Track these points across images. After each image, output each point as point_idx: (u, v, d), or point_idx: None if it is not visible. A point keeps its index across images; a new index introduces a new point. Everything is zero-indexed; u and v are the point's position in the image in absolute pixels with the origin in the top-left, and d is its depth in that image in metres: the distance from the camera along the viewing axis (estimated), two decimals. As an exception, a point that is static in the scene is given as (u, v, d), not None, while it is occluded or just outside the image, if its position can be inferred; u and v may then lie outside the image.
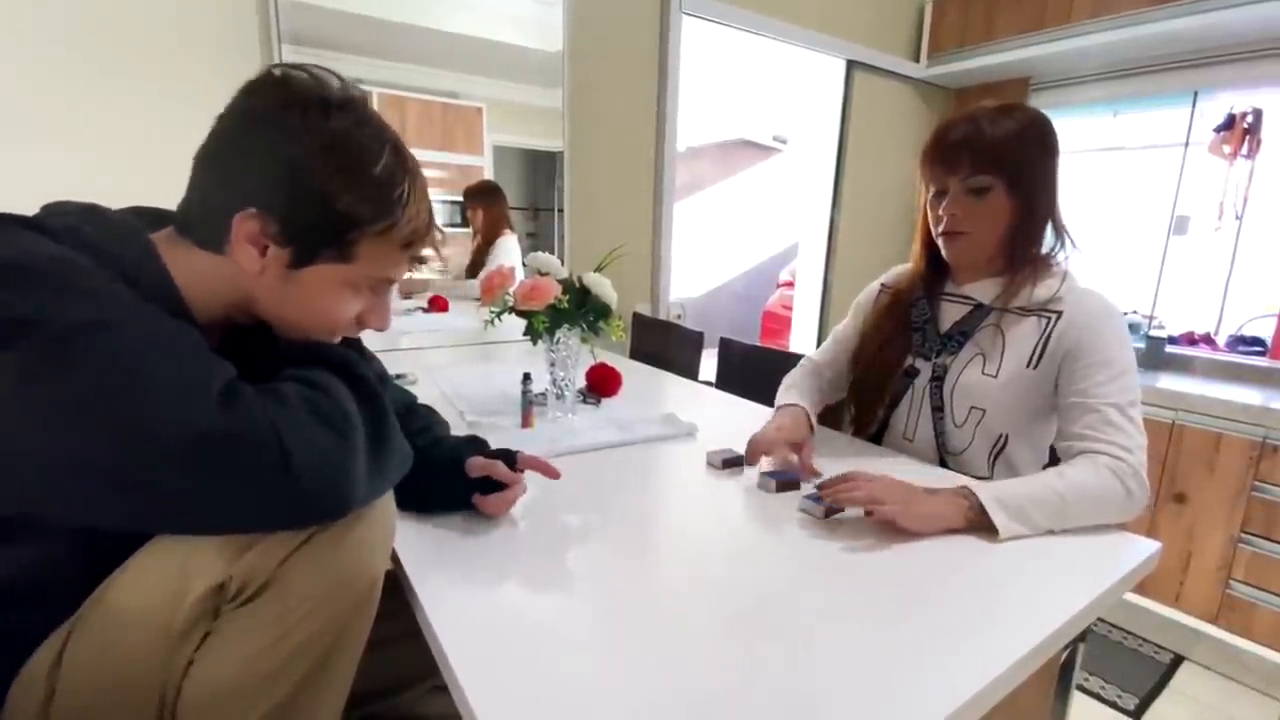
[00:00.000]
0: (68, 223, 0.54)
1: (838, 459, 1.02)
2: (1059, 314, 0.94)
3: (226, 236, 0.58)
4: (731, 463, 0.97)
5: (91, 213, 0.58)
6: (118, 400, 0.46)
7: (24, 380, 0.45)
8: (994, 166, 0.94)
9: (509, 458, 0.81)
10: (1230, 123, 2.16)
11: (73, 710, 0.52)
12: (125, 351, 0.47)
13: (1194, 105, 2.30)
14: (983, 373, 0.98)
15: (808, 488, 0.88)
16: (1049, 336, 0.94)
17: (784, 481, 0.88)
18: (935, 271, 1.09)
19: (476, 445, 0.83)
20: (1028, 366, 0.95)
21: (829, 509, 0.80)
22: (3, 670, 0.53)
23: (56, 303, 0.47)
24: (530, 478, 0.82)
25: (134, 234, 0.58)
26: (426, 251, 0.68)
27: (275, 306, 0.62)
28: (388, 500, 0.62)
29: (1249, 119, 2.13)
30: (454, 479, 0.78)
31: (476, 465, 0.78)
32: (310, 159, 0.57)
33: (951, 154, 0.97)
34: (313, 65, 0.60)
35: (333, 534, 0.55)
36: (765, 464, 0.98)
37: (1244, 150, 2.15)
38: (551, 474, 0.83)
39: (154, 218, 0.62)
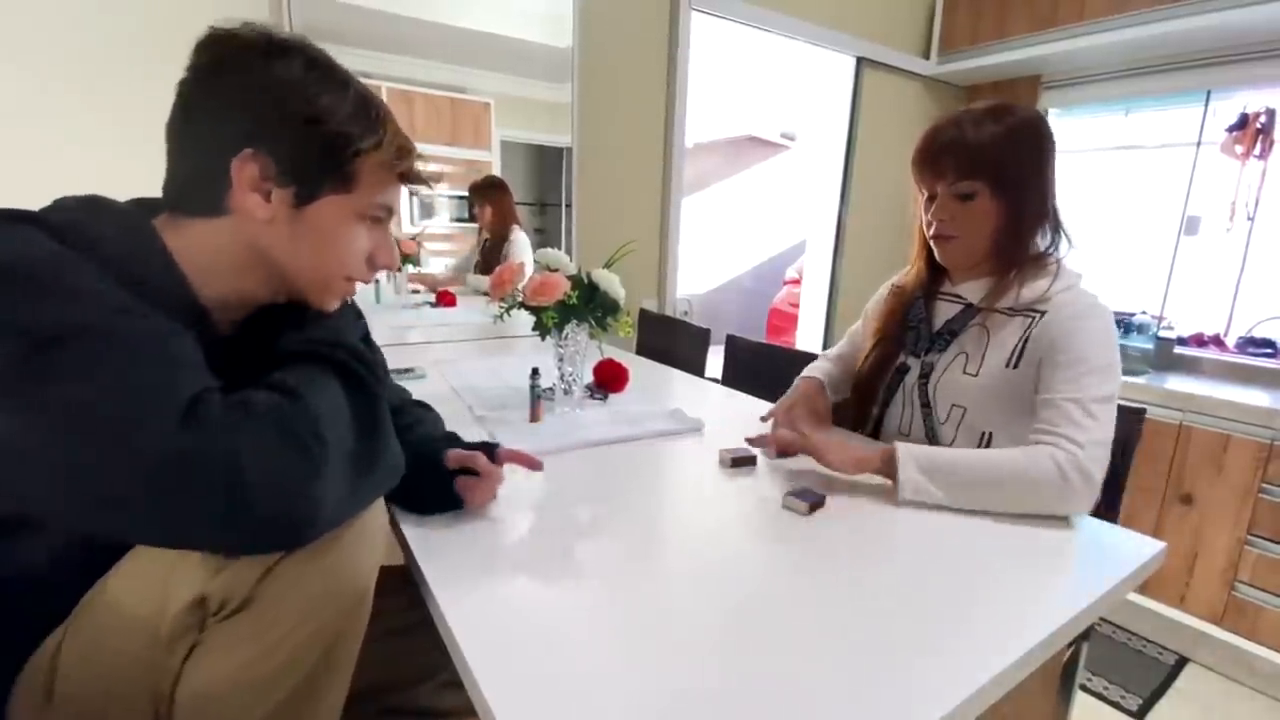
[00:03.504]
0: (69, 217, 0.53)
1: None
2: (1041, 314, 0.94)
3: (227, 191, 0.57)
4: (741, 461, 0.97)
5: (92, 205, 0.57)
6: (80, 415, 0.45)
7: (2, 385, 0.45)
8: (978, 172, 0.95)
9: (489, 450, 0.80)
10: (1243, 122, 2.15)
11: (72, 702, 0.53)
12: (94, 366, 0.46)
13: (1206, 105, 2.28)
14: (964, 371, 1.00)
15: (794, 484, 0.88)
16: (1029, 337, 0.94)
17: (815, 503, 0.83)
18: (934, 271, 1.12)
19: (451, 442, 0.82)
20: (1007, 366, 0.96)
21: (812, 505, 0.81)
22: (10, 662, 0.54)
23: (34, 308, 0.46)
24: (544, 472, 0.82)
25: (135, 223, 0.57)
26: (413, 168, 0.67)
27: (290, 255, 0.61)
28: (377, 510, 0.60)
29: (1262, 119, 2.11)
30: (432, 481, 0.76)
31: (453, 457, 0.77)
32: (291, 90, 0.57)
33: (937, 160, 0.98)
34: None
35: (313, 550, 0.53)
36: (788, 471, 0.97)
37: (1256, 150, 2.13)
38: (534, 465, 0.83)
39: (156, 207, 0.62)
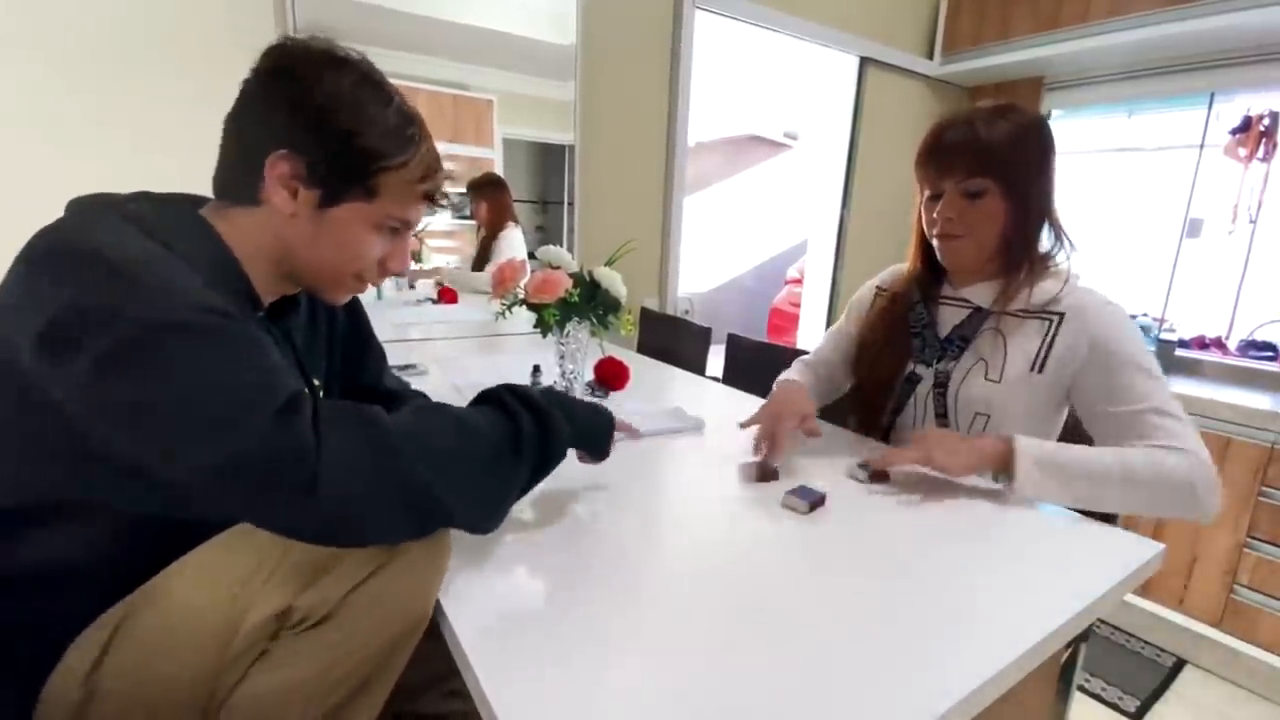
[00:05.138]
0: (142, 212, 0.56)
1: (846, 457, 1.02)
2: (1061, 315, 0.94)
3: (261, 182, 0.61)
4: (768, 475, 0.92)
5: (145, 198, 0.61)
6: (182, 407, 0.48)
7: (98, 373, 0.47)
8: (989, 170, 0.94)
9: None
10: (1246, 125, 2.14)
11: (114, 712, 0.53)
12: (198, 362, 0.49)
13: (1210, 107, 2.27)
14: (985, 378, 0.98)
15: (790, 483, 0.87)
16: (1053, 340, 0.93)
17: (815, 502, 0.83)
18: (931, 273, 1.09)
19: None
20: (1032, 370, 0.95)
21: (812, 503, 0.81)
22: (42, 656, 0.53)
23: (139, 301, 0.48)
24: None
25: (191, 217, 0.62)
26: (439, 189, 0.70)
27: (308, 250, 0.65)
28: (444, 536, 0.62)
29: (1265, 121, 2.11)
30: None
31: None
32: (334, 103, 0.61)
33: (946, 157, 0.97)
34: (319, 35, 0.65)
35: (397, 571, 0.56)
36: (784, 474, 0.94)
37: (1260, 153, 2.13)
38: (634, 435, 0.96)
39: (199, 200, 0.66)
